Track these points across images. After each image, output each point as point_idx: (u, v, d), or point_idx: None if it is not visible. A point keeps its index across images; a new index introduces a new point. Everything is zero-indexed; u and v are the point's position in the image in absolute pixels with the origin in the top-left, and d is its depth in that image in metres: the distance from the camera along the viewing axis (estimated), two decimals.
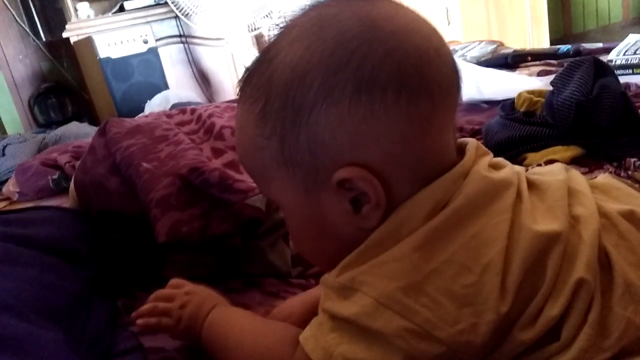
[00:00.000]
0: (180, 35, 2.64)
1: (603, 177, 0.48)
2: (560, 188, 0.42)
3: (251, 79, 0.42)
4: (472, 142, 0.44)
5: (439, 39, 0.41)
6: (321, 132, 0.39)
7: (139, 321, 0.52)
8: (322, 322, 0.40)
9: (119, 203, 0.68)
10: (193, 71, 2.71)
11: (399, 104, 0.38)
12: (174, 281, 0.55)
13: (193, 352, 0.54)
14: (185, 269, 0.69)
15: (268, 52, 0.42)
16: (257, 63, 0.42)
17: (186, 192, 0.64)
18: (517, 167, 0.45)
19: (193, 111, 0.86)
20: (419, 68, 0.39)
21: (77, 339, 0.49)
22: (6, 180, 1.28)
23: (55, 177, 1.15)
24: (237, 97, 0.44)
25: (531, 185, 0.42)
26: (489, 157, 0.44)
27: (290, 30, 0.42)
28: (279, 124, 0.40)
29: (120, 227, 0.69)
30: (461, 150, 0.43)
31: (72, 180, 0.77)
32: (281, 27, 0.43)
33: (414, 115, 0.39)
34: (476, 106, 1.37)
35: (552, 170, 0.46)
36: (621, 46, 1.45)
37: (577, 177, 0.45)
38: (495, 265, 0.37)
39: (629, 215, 0.40)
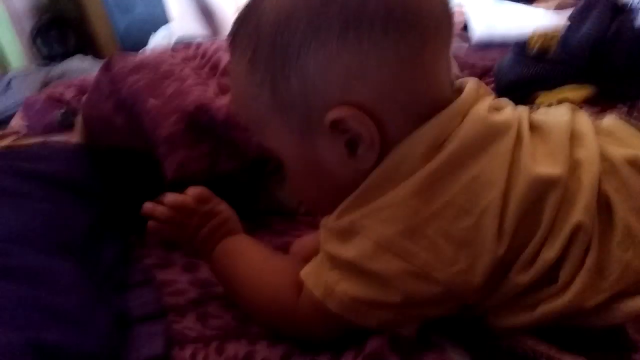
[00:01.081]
0: None
1: (610, 119, 0.46)
2: (563, 130, 0.41)
3: (239, 27, 0.42)
4: (472, 82, 0.43)
5: None
6: (311, 74, 0.38)
7: (152, 223, 0.51)
8: (323, 260, 0.42)
9: (126, 139, 0.69)
10: (197, 3, 2.62)
11: (387, 39, 0.37)
12: (197, 192, 0.53)
13: (205, 284, 0.56)
14: None
15: (254, 0, 0.41)
16: (245, 12, 0.42)
17: (193, 129, 0.64)
18: (520, 108, 0.44)
19: (198, 46, 0.84)
20: (406, 3, 0.38)
21: (92, 271, 0.51)
22: (13, 114, 1.28)
23: (62, 111, 1.14)
24: (229, 43, 0.43)
25: (534, 126, 0.42)
26: (490, 98, 0.43)
27: None
28: (269, 70, 0.40)
29: (128, 163, 0.70)
30: (461, 90, 0.42)
31: (79, 116, 0.77)
32: None
33: (404, 51, 0.38)
34: (489, 44, 1.33)
35: (557, 112, 0.45)
36: None
37: (582, 118, 0.44)
38: (493, 208, 0.37)
39: (632, 161, 0.40)
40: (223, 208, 0.54)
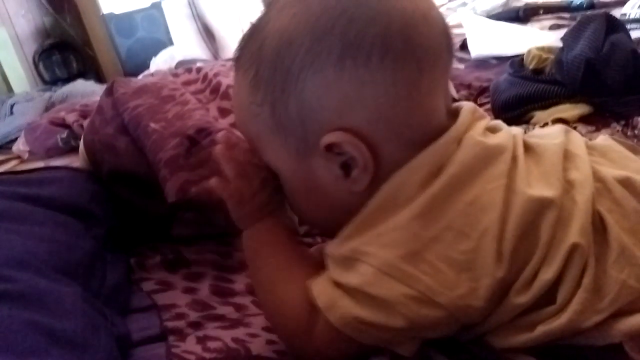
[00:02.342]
0: None
1: (603, 139, 0.48)
2: (556, 152, 0.42)
3: (244, 48, 0.43)
4: (467, 106, 0.44)
5: (428, 4, 0.42)
6: (309, 97, 0.39)
7: (220, 149, 0.47)
8: (331, 278, 0.42)
9: (128, 163, 0.69)
10: (198, 26, 2.66)
11: (383, 68, 0.38)
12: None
13: (204, 307, 0.56)
14: (194, 227, 0.70)
15: (259, 22, 0.43)
16: (250, 32, 0.43)
17: (194, 152, 0.65)
18: (515, 130, 0.45)
19: (199, 70, 0.85)
20: (404, 32, 0.39)
21: (94, 294, 0.51)
22: (16, 139, 1.29)
23: (64, 136, 1.16)
24: (233, 66, 0.45)
25: (528, 148, 0.43)
26: (486, 121, 0.44)
27: (279, 0, 0.42)
28: (269, 92, 0.41)
29: (130, 186, 0.71)
30: (456, 114, 0.43)
31: (82, 141, 0.78)
32: None
33: (400, 80, 0.39)
34: (485, 62, 1.35)
35: (551, 133, 0.46)
36: None
37: (575, 139, 0.45)
38: (491, 231, 0.38)
39: (624, 182, 0.41)
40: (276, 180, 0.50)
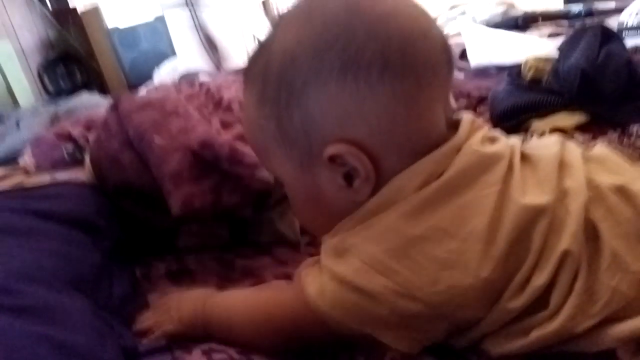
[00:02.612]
0: (186, 1, 2.61)
1: (599, 149, 0.49)
2: (551, 162, 0.43)
3: (252, 65, 0.45)
4: (466, 118, 0.46)
5: (428, 21, 0.43)
6: (312, 111, 0.41)
7: (145, 341, 0.53)
8: (322, 269, 0.44)
9: (133, 177, 0.71)
10: (200, 37, 2.69)
11: (383, 82, 0.40)
12: (162, 298, 0.57)
13: None
14: (198, 238, 0.72)
15: (266, 40, 0.45)
16: (257, 50, 0.45)
17: (197, 166, 0.66)
18: (513, 140, 0.47)
19: (201, 84, 0.87)
20: (403, 49, 0.40)
21: (102, 307, 0.52)
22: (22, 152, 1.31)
23: (69, 149, 1.17)
24: (242, 82, 0.47)
25: (524, 158, 0.44)
26: (484, 131, 0.46)
27: (284, 19, 0.45)
28: (274, 106, 0.43)
29: (135, 200, 0.72)
30: (456, 125, 0.45)
31: (88, 155, 0.80)
32: (279, 17, 0.46)
33: (399, 94, 0.40)
34: (484, 71, 1.36)
35: (547, 144, 0.47)
36: (633, 7, 1.42)
37: (571, 149, 0.46)
38: (478, 233, 0.39)
39: (618, 190, 0.42)
40: (190, 290, 0.58)
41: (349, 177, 0.43)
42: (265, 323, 0.48)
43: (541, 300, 0.40)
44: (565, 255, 0.39)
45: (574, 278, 0.39)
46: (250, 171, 0.65)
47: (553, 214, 0.40)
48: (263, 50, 0.45)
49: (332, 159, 0.42)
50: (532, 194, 0.41)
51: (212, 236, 0.72)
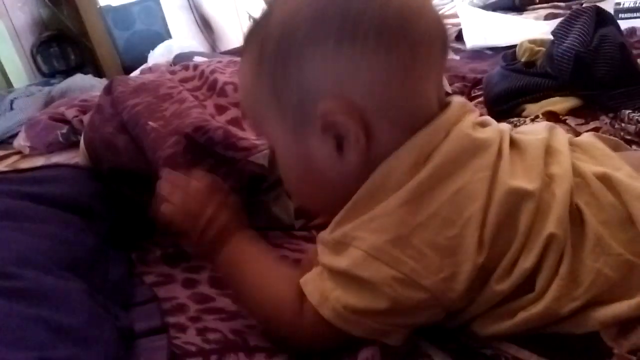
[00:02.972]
0: None
1: (587, 136, 0.50)
2: (538, 147, 0.44)
3: (251, 32, 0.46)
4: (457, 99, 0.46)
5: None
6: (308, 72, 0.42)
7: (167, 207, 0.52)
8: (321, 271, 0.44)
9: (128, 161, 0.71)
10: (195, 17, 2.66)
11: (378, 49, 0.41)
12: (209, 181, 0.55)
13: (204, 300, 0.58)
14: None
15: (268, 7, 0.46)
16: (257, 19, 0.46)
17: (192, 150, 0.67)
18: (503, 126, 0.47)
19: (196, 67, 0.87)
20: (399, 20, 0.41)
21: (98, 290, 0.53)
22: (17, 134, 1.31)
23: (64, 131, 1.17)
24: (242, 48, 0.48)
25: (513, 144, 0.45)
26: (475, 115, 0.46)
27: None
28: (271, 68, 0.44)
29: (130, 184, 0.72)
30: (447, 106, 0.45)
31: (82, 138, 0.80)
32: None
33: (393, 63, 0.42)
34: (481, 53, 1.36)
35: (535, 130, 0.48)
36: None
37: (559, 136, 0.47)
38: (475, 220, 0.40)
39: (602, 177, 0.43)
40: (232, 199, 0.55)
41: (339, 145, 0.43)
42: (265, 317, 0.49)
43: (527, 283, 0.41)
44: (551, 238, 0.40)
45: (559, 261, 0.40)
46: (244, 155, 0.66)
47: (539, 198, 0.41)
48: (264, 16, 0.46)
49: (324, 116, 0.42)
50: (519, 178, 0.42)
51: None
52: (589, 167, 0.44)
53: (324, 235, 0.45)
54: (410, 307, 0.41)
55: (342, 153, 0.43)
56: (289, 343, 0.47)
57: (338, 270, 0.42)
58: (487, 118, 0.48)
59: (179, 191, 0.54)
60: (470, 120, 0.45)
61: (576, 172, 0.43)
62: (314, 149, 0.45)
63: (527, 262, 0.40)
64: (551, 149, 0.45)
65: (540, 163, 0.43)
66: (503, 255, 0.41)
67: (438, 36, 0.44)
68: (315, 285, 0.44)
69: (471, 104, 0.48)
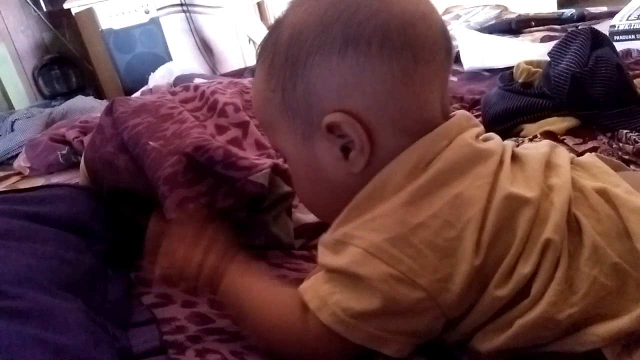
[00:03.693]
0: (181, 4, 2.61)
1: (588, 156, 0.51)
2: (538, 161, 0.46)
3: (265, 40, 0.48)
4: (461, 112, 0.48)
5: (429, 6, 0.46)
6: (314, 82, 0.44)
7: (161, 275, 0.51)
8: (319, 276, 0.45)
9: (128, 180, 0.71)
10: (195, 40, 2.69)
11: (382, 58, 0.42)
12: (190, 234, 0.52)
13: (203, 320, 0.57)
14: None
15: (280, 18, 0.48)
16: (271, 27, 0.48)
17: (192, 169, 0.67)
18: (506, 142, 0.49)
19: (196, 88, 0.88)
20: (403, 28, 0.43)
21: (97, 310, 0.53)
22: (17, 155, 1.31)
23: (64, 152, 1.18)
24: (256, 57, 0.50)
25: (515, 156, 0.46)
26: (479, 129, 0.47)
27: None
28: (281, 78, 0.45)
29: (130, 203, 0.72)
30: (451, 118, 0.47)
31: (82, 159, 0.80)
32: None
33: (396, 69, 0.43)
34: (478, 74, 1.37)
35: (538, 146, 0.50)
36: (625, 11, 1.44)
37: (561, 153, 0.49)
38: (474, 223, 0.41)
39: (601, 191, 0.44)
40: (219, 237, 0.53)
41: (346, 150, 0.45)
42: (271, 333, 0.48)
43: (525, 291, 0.41)
44: (548, 243, 0.41)
45: (555, 266, 0.41)
46: (244, 174, 0.66)
47: (538, 206, 0.42)
48: (275, 27, 0.47)
49: (330, 128, 0.44)
50: (519, 186, 0.43)
51: None
52: (589, 183, 0.45)
53: (325, 236, 0.46)
54: (407, 307, 0.41)
55: (348, 160, 0.45)
56: (295, 356, 0.47)
57: (336, 268, 0.43)
58: (492, 134, 0.50)
59: (162, 254, 0.52)
60: (474, 132, 0.46)
61: (576, 187, 0.45)
62: (321, 157, 0.46)
63: (525, 267, 0.41)
64: (552, 163, 0.47)
65: (539, 174, 0.44)
66: (501, 260, 0.41)
67: (442, 45, 0.45)
68: (314, 291, 0.44)
69: (475, 119, 0.49)
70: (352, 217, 0.44)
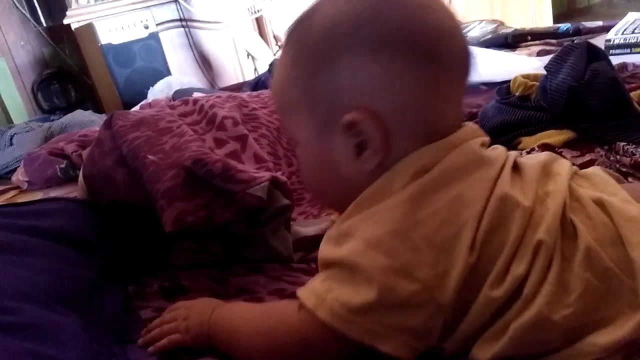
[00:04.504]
0: (180, 20, 2.64)
1: (592, 168, 0.53)
2: (535, 169, 0.47)
3: (294, 29, 0.49)
4: (470, 123, 0.49)
5: (454, 21, 0.48)
6: (341, 78, 0.45)
7: (150, 349, 0.53)
8: (316, 277, 0.46)
9: (126, 194, 0.71)
10: (194, 55, 2.71)
11: (411, 64, 0.44)
12: (171, 306, 0.58)
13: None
14: (191, 255, 0.72)
15: (310, 10, 0.48)
16: (301, 17, 0.49)
17: (190, 183, 0.67)
18: (511, 152, 0.50)
19: (195, 102, 0.88)
20: (430, 38, 0.45)
21: (94, 324, 0.52)
22: (15, 169, 1.31)
23: (62, 166, 1.18)
24: (282, 44, 0.51)
25: (516, 165, 0.48)
26: (485, 139, 0.49)
27: None
28: (307, 68, 0.46)
29: (128, 217, 0.72)
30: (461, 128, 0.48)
31: (81, 172, 0.80)
32: None
33: (422, 79, 0.44)
34: (475, 88, 1.38)
35: (538, 155, 0.51)
36: (620, 25, 1.45)
37: (562, 163, 0.50)
38: (471, 223, 0.42)
39: (598, 201, 0.46)
40: (200, 298, 0.58)
41: (359, 148, 0.46)
42: (270, 339, 0.48)
43: (518, 292, 0.42)
44: (539, 244, 0.42)
45: (548, 267, 0.42)
46: (243, 187, 0.66)
47: (532, 211, 0.43)
48: (306, 17, 0.48)
49: (350, 126, 0.45)
50: (515, 192, 0.44)
51: (205, 253, 0.72)
52: (587, 192, 0.46)
53: (331, 230, 0.47)
54: (403, 300, 0.41)
55: (361, 157, 0.46)
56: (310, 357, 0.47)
57: (336, 259, 0.44)
58: (497, 145, 0.51)
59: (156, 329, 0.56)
60: (479, 141, 0.47)
61: (574, 196, 0.46)
62: (335, 150, 0.47)
63: (519, 268, 0.41)
64: (551, 172, 0.48)
65: (534, 182, 0.46)
66: (495, 259, 0.42)
67: (464, 59, 0.47)
68: (311, 290, 0.44)
69: (482, 131, 0.50)
70: (358, 210, 0.45)
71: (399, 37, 0.43)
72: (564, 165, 0.49)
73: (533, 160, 0.49)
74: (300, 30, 0.48)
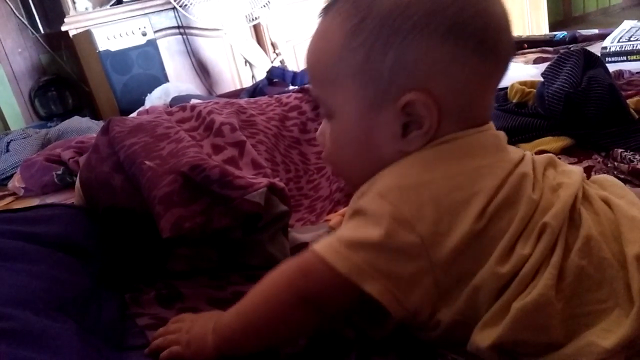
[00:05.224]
0: (178, 27, 2.64)
1: (604, 176, 0.55)
2: (542, 163, 0.49)
3: None
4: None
5: (509, 15, 0.49)
6: (407, 57, 0.45)
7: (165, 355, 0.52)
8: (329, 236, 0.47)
9: (123, 200, 0.71)
10: (192, 62, 2.71)
11: (475, 54, 0.45)
12: (177, 317, 0.57)
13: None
14: (188, 262, 0.72)
15: None
16: None
17: (188, 189, 0.67)
18: (527, 152, 0.52)
19: (193, 108, 0.88)
20: (497, 32, 0.46)
21: (90, 331, 0.52)
22: (11, 176, 1.31)
23: (59, 172, 1.17)
24: (324, 8, 0.50)
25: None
26: (505, 136, 0.51)
27: None
28: (370, 40, 0.45)
29: (125, 223, 0.72)
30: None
31: (78, 178, 0.80)
32: None
33: (482, 69, 0.46)
34: None
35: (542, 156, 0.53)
36: (616, 33, 1.46)
37: (575, 168, 0.52)
38: (484, 193, 0.43)
39: (605, 199, 0.48)
40: (201, 313, 0.57)
41: (405, 128, 0.46)
42: (274, 296, 0.47)
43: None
44: (544, 226, 0.43)
45: (551, 250, 0.43)
46: (240, 193, 0.66)
47: (541, 197, 0.45)
48: None
49: (405, 105, 0.45)
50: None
51: (202, 259, 0.72)
52: (595, 191, 0.48)
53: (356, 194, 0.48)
54: (399, 247, 0.42)
55: (407, 137, 0.46)
56: (317, 302, 0.46)
57: (351, 212, 0.46)
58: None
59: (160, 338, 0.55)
60: (502, 134, 0.50)
61: (584, 196, 0.47)
62: (380, 126, 0.47)
63: (525, 249, 0.43)
64: (565, 171, 0.50)
65: (540, 171, 0.47)
66: (502, 235, 0.43)
67: (510, 55, 0.49)
68: (324, 242, 0.45)
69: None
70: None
71: (471, 27, 0.44)
72: (575, 168, 0.51)
73: (540, 158, 0.51)
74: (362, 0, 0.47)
